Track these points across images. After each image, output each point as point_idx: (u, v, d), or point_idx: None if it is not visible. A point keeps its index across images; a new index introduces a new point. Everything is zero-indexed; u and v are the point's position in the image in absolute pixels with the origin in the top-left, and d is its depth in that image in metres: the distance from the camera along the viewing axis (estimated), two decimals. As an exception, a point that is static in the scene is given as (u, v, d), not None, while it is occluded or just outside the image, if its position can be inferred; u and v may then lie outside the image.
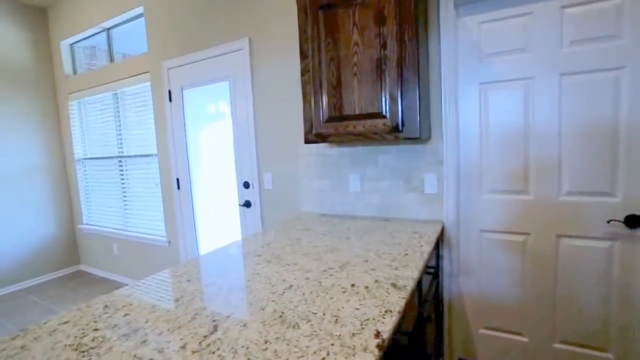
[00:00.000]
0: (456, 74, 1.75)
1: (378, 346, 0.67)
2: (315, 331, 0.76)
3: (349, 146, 2.04)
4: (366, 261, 1.21)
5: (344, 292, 0.96)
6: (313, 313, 0.84)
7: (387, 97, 1.53)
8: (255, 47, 2.30)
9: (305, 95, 1.75)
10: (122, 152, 3.44)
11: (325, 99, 1.70)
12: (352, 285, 1.00)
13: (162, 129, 2.95)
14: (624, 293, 1.52)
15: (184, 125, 2.79)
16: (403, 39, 1.47)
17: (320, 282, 1.04)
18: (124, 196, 3.51)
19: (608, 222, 1.51)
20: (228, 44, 2.40)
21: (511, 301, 1.76)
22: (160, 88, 2.88)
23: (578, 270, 1.60)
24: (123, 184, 3.50)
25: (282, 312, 0.86)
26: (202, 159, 2.80)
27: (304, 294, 0.96)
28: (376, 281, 1.02)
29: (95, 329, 0.84)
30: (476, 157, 1.77)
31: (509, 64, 1.64)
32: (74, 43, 3.74)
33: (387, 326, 0.75)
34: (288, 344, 0.71)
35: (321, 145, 2.12)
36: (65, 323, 0.88)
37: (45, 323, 0.89)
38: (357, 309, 0.85)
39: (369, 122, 1.60)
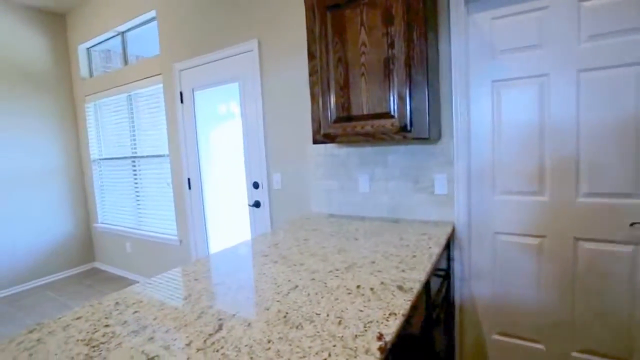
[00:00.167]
0: (467, 72, 1.72)
1: (380, 349, 0.67)
2: (318, 332, 0.76)
3: (357, 146, 2.03)
4: (373, 263, 1.21)
5: (349, 293, 0.96)
6: (317, 314, 0.84)
7: (395, 97, 1.52)
8: (264, 48, 2.32)
9: (313, 95, 1.76)
10: (135, 152, 3.51)
11: (333, 100, 1.70)
12: (358, 286, 1.00)
13: (174, 129, 3.00)
14: (647, 300, 1.46)
15: (195, 126, 2.83)
16: (411, 38, 1.46)
17: (325, 283, 1.04)
18: (137, 196, 3.59)
19: (631, 225, 1.45)
20: (238, 45, 2.43)
21: (526, 306, 1.71)
22: (172, 89, 2.93)
23: (598, 276, 1.54)
24: (136, 183, 3.57)
25: (287, 313, 0.86)
26: (212, 160, 2.83)
27: (308, 294, 0.96)
28: (382, 283, 1.01)
29: (106, 325, 0.87)
30: (488, 157, 1.74)
31: (522, 61, 1.60)
32: (90, 47, 3.84)
33: (390, 329, 0.75)
34: (290, 344, 0.72)
35: (330, 145, 2.12)
36: (78, 319, 0.91)
37: (60, 318, 0.92)
38: (361, 310, 0.85)
39: (377, 123, 1.59)
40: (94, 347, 0.77)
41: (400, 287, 0.97)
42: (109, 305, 0.99)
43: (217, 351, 0.71)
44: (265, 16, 2.29)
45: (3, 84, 3.44)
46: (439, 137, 1.77)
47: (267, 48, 2.30)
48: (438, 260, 1.42)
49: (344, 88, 1.65)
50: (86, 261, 4.13)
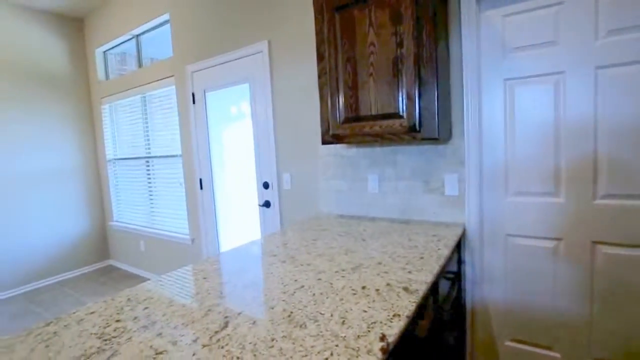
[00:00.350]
0: (479, 71, 1.69)
1: (382, 349, 0.67)
2: (321, 331, 0.76)
3: (367, 146, 2.03)
4: (380, 264, 1.20)
5: (354, 294, 0.96)
6: (321, 314, 0.85)
7: (404, 97, 1.51)
8: (274, 49, 2.34)
9: (322, 96, 1.76)
10: (149, 152, 3.59)
11: (342, 100, 1.70)
12: (363, 287, 1.00)
13: (186, 130, 3.05)
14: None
15: (207, 126, 2.87)
16: (420, 37, 1.45)
17: (331, 284, 1.04)
18: (151, 195, 3.66)
19: (654, 228, 1.40)
20: (248, 47, 2.45)
21: (541, 312, 1.66)
22: (185, 91, 2.98)
23: (618, 282, 1.48)
24: (150, 183, 3.64)
25: (291, 312, 0.87)
26: (223, 160, 2.87)
27: (314, 294, 0.97)
28: (388, 284, 1.01)
29: (118, 320, 0.89)
30: (501, 158, 1.70)
31: (536, 59, 1.57)
32: (106, 50, 3.94)
33: (393, 330, 0.74)
34: (294, 343, 0.72)
35: (339, 145, 2.12)
36: (91, 313, 0.94)
37: (75, 312, 0.96)
38: (365, 311, 0.85)
39: (385, 123, 1.58)
40: (105, 340, 0.80)
41: (406, 289, 0.96)
42: (121, 301, 1.02)
43: (222, 348, 0.73)
44: (275, 18, 2.31)
45: (24, 86, 3.57)
46: (449, 136, 1.75)
47: (277, 49, 2.32)
48: (447, 263, 1.40)
49: (353, 88, 1.65)
50: (101, 259, 4.24)
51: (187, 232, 3.23)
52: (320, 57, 1.74)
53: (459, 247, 1.75)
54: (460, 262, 1.79)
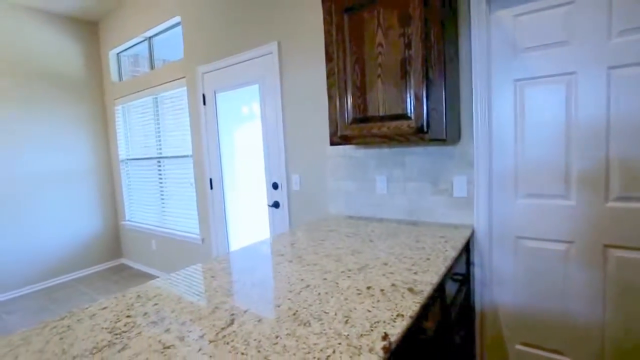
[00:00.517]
0: (488, 71, 1.68)
1: (384, 348, 0.67)
2: (324, 330, 0.77)
3: (375, 147, 2.03)
4: (386, 264, 1.20)
5: (359, 294, 0.96)
6: (325, 312, 0.86)
7: (412, 98, 1.51)
8: (283, 50, 2.36)
9: (330, 97, 1.77)
10: (160, 153, 3.65)
11: (350, 101, 1.71)
12: (368, 287, 1.00)
13: (197, 131, 3.09)
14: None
15: (217, 127, 2.91)
16: (428, 38, 1.45)
17: (337, 283, 1.05)
18: (162, 195, 3.72)
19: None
20: (258, 48, 2.48)
21: (552, 316, 1.63)
22: (195, 92, 3.03)
23: (631, 286, 1.45)
24: (161, 183, 3.71)
25: (296, 310, 0.88)
26: (233, 160, 2.90)
27: (319, 293, 0.98)
28: (393, 285, 1.01)
29: (128, 316, 0.92)
30: (510, 159, 1.69)
31: (547, 59, 1.55)
32: (120, 52, 4.03)
33: (396, 329, 0.75)
34: (297, 340, 0.73)
35: (347, 146, 2.12)
36: (103, 309, 0.97)
37: (87, 308, 0.99)
38: (369, 311, 0.85)
39: (393, 124, 1.58)
40: (116, 334, 0.82)
41: (410, 289, 0.96)
42: (132, 297, 1.05)
43: (228, 344, 0.74)
44: (284, 19, 2.33)
45: (41, 89, 3.67)
46: (458, 138, 1.74)
47: (287, 50, 2.34)
48: (454, 264, 1.40)
49: (361, 89, 1.66)
50: (114, 257, 4.33)
51: (198, 231, 3.28)
52: (328, 58, 1.75)
53: (467, 249, 1.74)
54: (469, 264, 1.77)
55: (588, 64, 1.46)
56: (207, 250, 3.18)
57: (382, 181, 2.02)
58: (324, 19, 1.74)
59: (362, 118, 1.67)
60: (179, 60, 3.18)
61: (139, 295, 1.06)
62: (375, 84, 1.60)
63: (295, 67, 2.31)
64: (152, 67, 3.64)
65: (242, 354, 0.70)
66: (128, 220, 4.18)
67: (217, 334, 0.79)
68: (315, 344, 0.71)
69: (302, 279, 1.10)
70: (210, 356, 0.70)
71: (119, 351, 0.75)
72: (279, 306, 0.92)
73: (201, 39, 2.90)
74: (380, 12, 1.54)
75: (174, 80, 3.27)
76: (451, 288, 1.39)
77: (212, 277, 1.19)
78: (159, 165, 3.69)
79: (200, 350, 0.73)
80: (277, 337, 0.76)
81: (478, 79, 1.68)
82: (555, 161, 1.58)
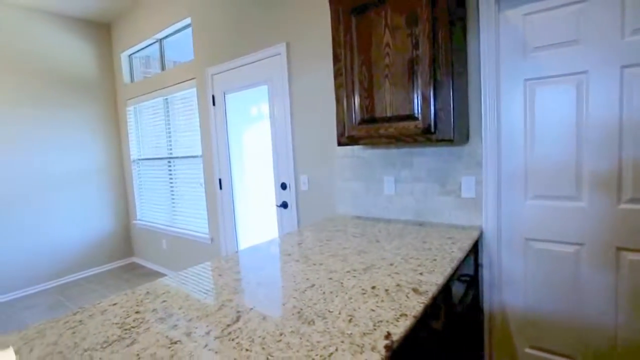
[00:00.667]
0: (498, 71, 1.66)
1: (386, 347, 0.68)
2: (328, 328, 0.78)
3: (383, 148, 2.03)
4: (391, 265, 1.21)
5: (364, 293, 0.97)
6: (329, 311, 0.86)
7: (419, 98, 1.51)
8: (292, 51, 2.37)
9: (338, 98, 1.78)
10: (171, 153, 3.71)
11: (357, 102, 1.71)
12: (373, 287, 1.01)
13: (207, 131, 3.13)
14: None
15: (226, 128, 2.94)
16: (436, 39, 1.44)
17: (342, 283, 1.05)
18: (172, 195, 3.78)
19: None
20: (267, 49, 2.50)
21: (562, 319, 1.61)
22: (205, 93, 3.07)
23: (644, 290, 1.42)
24: (171, 183, 3.76)
25: (301, 309, 0.89)
26: (242, 161, 2.93)
27: (324, 293, 0.99)
28: (398, 285, 1.01)
29: (137, 312, 0.94)
30: (520, 160, 1.67)
31: (558, 58, 1.52)
32: (131, 54, 4.11)
33: (399, 329, 0.75)
34: (301, 338, 0.74)
35: (355, 147, 2.13)
36: (114, 305, 1.00)
37: (99, 303, 1.02)
38: (373, 310, 0.85)
39: (400, 125, 1.58)
40: (126, 329, 0.85)
41: (415, 290, 0.96)
42: (141, 294, 1.07)
43: (233, 340, 0.76)
44: (293, 20, 2.34)
45: (54, 90, 3.77)
46: (466, 138, 1.73)
47: (295, 51, 2.36)
48: (461, 266, 1.39)
49: (368, 90, 1.66)
50: (125, 256, 4.41)
51: (207, 231, 3.32)
52: (336, 59, 1.75)
53: (476, 250, 1.72)
54: (477, 265, 1.76)
55: (600, 63, 1.44)
56: (216, 249, 3.21)
57: (389, 182, 2.02)
58: (332, 19, 1.74)
59: (370, 119, 1.67)
60: (189, 62, 3.23)
61: (148, 292, 1.08)
62: (383, 84, 1.61)
63: (304, 68, 2.33)
64: (163, 68, 3.70)
65: (247, 350, 0.71)
66: (139, 220, 4.26)
67: (222, 330, 0.81)
68: (318, 342, 0.72)
69: (307, 278, 1.11)
70: (216, 352, 0.72)
71: (128, 345, 0.77)
72: (284, 304, 0.93)
73: (211, 41, 2.94)
74: (388, 12, 1.54)
75: (184, 81, 3.32)
76: (458, 289, 1.39)
77: (220, 275, 1.21)
78: (170, 166, 3.75)
79: (206, 346, 0.75)
80: (281, 334, 0.77)
81: (487, 78, 1.66)
82: (566, 162, 1.55)
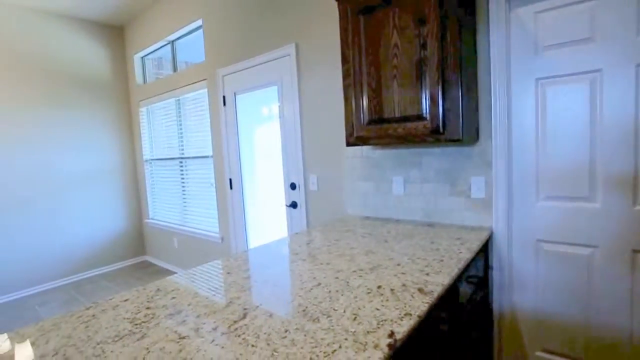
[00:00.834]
0: (508, 70, 1.65)
1: (389, 345, 0.68)
2: (332, 326, 0.79)
3: (391, 148, 2.02)
4: (398, 265, 1.20)
5: (369, 292, 0.97)
6: (334, 310, 0.87)
7: (428, 98, 1.50)
8: (301, 52, 2.39)
9: (346, 98, 1.78)
10: (182, 153, 3.76)
11: (365, 102, 1.71)
12: (379, 287, 1.01)
13: (217, 132, 3.18)
14: None
15: (237, 128, 2.97)
16: (444, 38, 1.44)
17: (348, 282, 1.06)
18: (184, 194, 3.84)
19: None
20: (276, 50, 2.52)
21: (575, 323, 1.58)
22: (216, 94, 3.11)
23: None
24: (183, 183, 3.82)
25: (306, 307, 0.90)
26: (252, 161, 2.96)
27: (329, 291, 0.99)
28: (403, 285, 1.01)
29: (148, 307, 0.97)
30: (531, 160, 1.64)
31: (571, 57, 1.50)
32: (144, 56, 4.19)
33: (402, 328, 0.75)
34: (305, 335, 0.75)
35: (365, 147, 2.13)
36: (125, 301, 1.03)
37: (111, 299, 1.05)
38: (378, 309, 0.86)
39: (409, 125, 1.58)
40: (136, 324, 0.87)
41: (420, 290, 0.96)
42: (152, 291, 1.10)
43: (239, 336, 0.77)
44: (302, 21, 2.36)
45: (70, 92, 3.87)
46: (476, 138, 1.72)
47: (304, 52, 2.37)
48: (470, 267, 1.38)
49: (376, 90, 1.66)
50: (137, 254, 4.49)
51: (217, 230, 3.36)
52: (344, 60, 1.76)
53: (486, 251, 1.71)
54: (487, 266, 1.74)
55: (615, 61, 1.41)
56: (226, 249, 3.25)
57: (398, 182, 2.02)
58: (340, 20, 1.75)
59: (378, 119, 1.67)
60: (200, 63, 3.28)
61: (158, 289, 1.11)
62: (391, 85, 1.60)
63: (313, 68, 2.34)
64: (174, 69, 3.77)
65: (252, 345, 0.73)
66: (151, 219, 4.33)
67: (229, 326, 0.82)
68: (322, 339, 0.73)
69: (314, 277, 1.12)
70: (222, 347, 0.73)
71: (138, 339, 0.79)
72: (290, 302, 0.94)
73: (222, 42, 2.98)
74: (396, 13, 1.54)
75: (195, 82, 3.37)
76: (466, 290, 1.38)
77: (228, 273, 1.22)
78: (181, 166, 3.81)
79: (213, 341, 0.76)
80: (286, 331, 0.78)
81: (497, 78, 1.65)
82: (579, 162, 1.53)
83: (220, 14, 2.97)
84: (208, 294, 1.04)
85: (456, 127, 1.48)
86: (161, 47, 3.90)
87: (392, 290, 0.98)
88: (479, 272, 1.61)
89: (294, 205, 2.60)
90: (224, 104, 3.04)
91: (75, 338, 0.82)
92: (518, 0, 1.59)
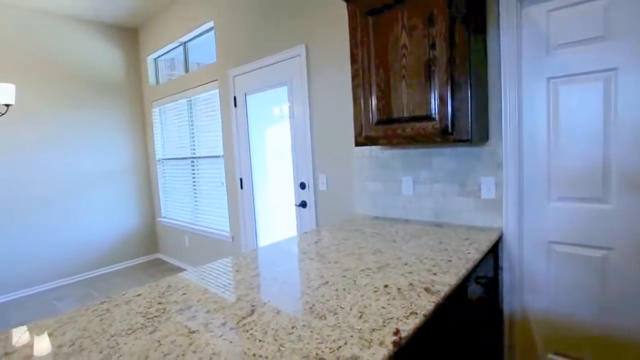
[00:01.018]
0: (519, 70, 1.63)
1: (394, 343, 0.69)
2: (338, 323, 0.80)
3: (401, 148, 2.02)
4: (406, 264, 1.21)
5: (376, 291, 0.98)
6: (341, 307, 0.88)
7: (436, 99, 1.50)
8: (311, 53, 2.40)
9: (355, 98, 1.79)
10: (194, 153, 3.82)
11: (374, 102, 1.72)
12: (386, 286, 1.02)
13: (228, 132, 3.22)
14: None
15: (247, 128, 3.01)
16: (453, 39, 1.43)
17: (355, 281, 1.07)
18: (195, 193, 3.90)
19: None
20: (286, 51, 2.55)
21: (589, 326, 1.55)
22: (227, 94, 3.16)
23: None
24: (194, 182, 3.88)
25: (313, 305, 0.91)
26: (263, 161, 2.99)
27: (337, 290, 1.00)
28: (410, 284, 1.02)
29: (159, 303, 1.00)
30: (543, 160, 1.62)
31: (584, 55, 1.47)
32: (157, 57, 4.27)
33: (408, 326, 0.76)
34: (312, 331, 0.76)
35: (374, 147, 2.13)
36: (138, 296, 1.06)
37: (124, 294, 1.09)
38: (384, 307, 0.87)
39: (417, 125, 1.57)
40: (148, 318, 0.90)
41: (427, 289, 0.97)
42: (163, 287, 1.13)
43: (247, 331, 0.79)
44: (311, 22, 2.38)
45: (86, 93, 3.98)
46: (486, 138, 1.70)
47: (314, 53, 2.39)
48: (478, 267, 1.37)
49: (385, 91, 1.66)
50: (150, 252, 4.58)
51: (228, 229, 3.40)
52: (353, 60, 1.77)
53: (495, 252, 1.69)
54: (497, 267, 1.72)
55: (629, 60, 1.38)
56: (237, 247, 3.29)
57: (407, 182, 2.01)
58: (349, 21, 1.76)
59: (387, 119, 1.68)
60: (211, 64, 3.33)
61: (169, 285, 1.14)
62: (399, 85, 1.61)
63: (322, 69, 2.35)
64: (186, 70, 3.83)
65: (260, 341, 0.74)
66: (163, 217, 4.41)
67: (237, 322, 0.84)
68: (328, 335, 0.74)
69: (321, 276, 1.13)
70: (231, 342, 0.75)
71: (150, 333, 0.82)
72: (297, 300, 0.95)
73: (233, 43, 3.02)
74: (404, 13, 1.54)
75: (207, 83, 3.42)
76: (475, 291, 1.37)
77: (237, 271, 1.25)
78: (193, 165, 3.87)
79: (221, 336, 0.78)
80: (293, 327, 0.79)
81: (507, 77, 1.63)
82: (592, 163, 1.50)
83: (231, 15, 3.01)
84: (217, 290, 1.07)
85: (465, 128, 1.47)
86: (173, 48, 3.97)
87: (399, 289, 0.98)
88: (488, 273, 1.60)
89: (303, 204, 2.61)
90: (235, 104, 3.08)
91: (90, 330, 0.85)
92: (530, -2, 1.58)
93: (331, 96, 2.33)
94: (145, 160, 4.50)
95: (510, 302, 1.74)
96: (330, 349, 0.69)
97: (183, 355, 0.71)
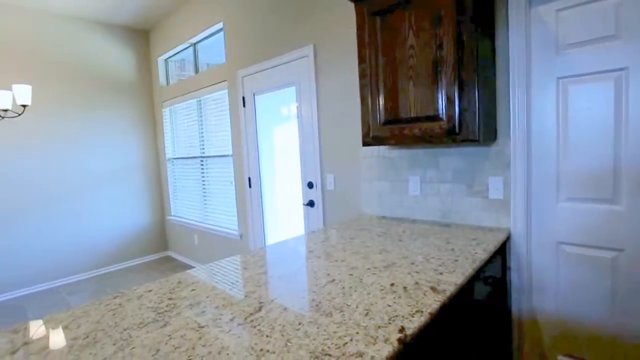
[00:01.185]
0: (528, 70, 1.62)
1: (399, 340, 0.70)
2: (344, 320, 0.81)
3: (408, 148, 2.02)
4: (412, 264, 1.21)
5: (382, 289, 0.99)
6: (347, 305, 0.90)
7: (444, 99, 1.50)
8: (319, 53, 2.42)
9: (362, 98, 1.80)
10: (203, 152, 3.87)
11: (381, 102, 1.72)
12: (392, 284, 1.02)
13: (237, 131, 3.25)
14: None
15: (256, 128, 3.04)
16: (460, 39, 1.43)
17: (361, 279, 1.08)
18: (204, 192, 3.94)
19: None
20: (295, 51, 2.56)
21: (599, 328, 1.54)
22: (236, 94, 3.19)
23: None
24: (203, 181, 3.93)
25: (320, 302, 0.93)
26: (271, 160, 3.02)
27: (343, 287, 1.02)
28: (416, 283, 1.02)
29: (170, 298, 1.02)
30: (552, 160, 1.61)
31: (594, 55, 1.46)
32: (167, 58, 4.33)
33: (413, 324, 0.77)
34: (318, 328, 0.78)
35: (381, 147, 2.14)
36: (149, 291, 1.09)
37: (136, 289, 1.12)
38: (390, 305, 0.88)
39: (425, 125, 1.58)
40: (159, 313, 0.93)
41: (433, 288, 0.97)
42: (173, 283, 1.16)
43: (254, 327, 0.81)
44: (320, 23, 2.39)
45: (98, 93, 4.06)
46: (494, 138, 1.70)
47: (322, 53, 2.40)
48: (485, 267, 1.37)
49: (392, 91, 1.67)
50: (160, 250, 4.65)
51: (236, 228, 3.44)
52: (361, 59, 1.78)
53: (503, 252, 1.68)
54: (504, 268, 1.71)
55: (641, 59, 1.36)
56: (245, 246, 3.33)
57: (415, 182, 2.01)
58: (357, 21, 1.77)
59: (394, 119, 1.68)
60: (221, 64, 3.36)
61: (179, 282, 1.16)
62: (407, 85, 1.61)
63: (330, 69, 2.36)
64: (196, 71, 3.88)
65: (267, 336, 0.76)
66: (173, 216, 4.48)
67: (245, 318, 0.86)
68: (334, 332, 0.76)
69: (328, 274, 1.15)
70: (238, 337, 0.77)
71: (161, 327, 0.84)
72: (304, 297, 0.97)
73: (242, 44, 3.05)
74: (412, 13, 1.55)
75: (216, 83, 3.46)
76: (482, 291, 1.37)
77: (245, 268, 1.27)
78: (202, 164, 3.91)
79: (230, 331, 0.80)
80: (299, 323, 0.81)
81: (516, 77, 1.62)
82: (603, 163, 1.48)
83: (240, 17, 3.04)
84: (226, 287, 1.09)
85: (473, 128, 1.47)
86: (183, 49, 4.02)
87: (404, 288, 0.99)
88: (496, 273, 1.59)
89: (311, 204, 2.63)
90: (244, 104, 3.11)
91: (103, 324, 0.88)
92: (539, -3, 1.57)
93: (339, 96, 2.34)
94: (155, 159, 4.57)
95: (518, 303, 1.73)
96: (336, 345, 0.70)
97: (193, 348, 0.73)
